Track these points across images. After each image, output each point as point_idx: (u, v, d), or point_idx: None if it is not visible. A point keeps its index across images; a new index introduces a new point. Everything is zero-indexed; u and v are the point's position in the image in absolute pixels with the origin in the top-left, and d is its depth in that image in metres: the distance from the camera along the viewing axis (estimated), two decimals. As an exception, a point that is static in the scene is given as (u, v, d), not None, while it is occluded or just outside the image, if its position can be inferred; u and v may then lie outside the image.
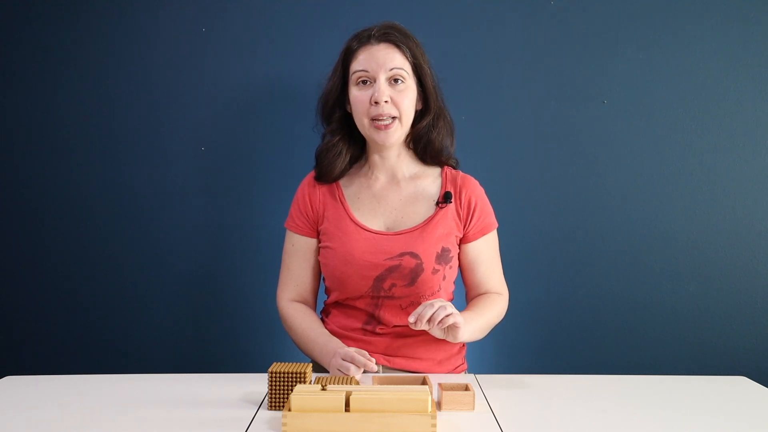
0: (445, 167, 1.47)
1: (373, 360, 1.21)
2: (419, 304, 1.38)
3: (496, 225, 1.46)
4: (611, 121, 1.76)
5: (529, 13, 1.75)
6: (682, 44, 1.74)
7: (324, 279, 1.46)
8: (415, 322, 1.19)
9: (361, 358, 1.21)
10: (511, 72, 1.76)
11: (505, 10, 1.75)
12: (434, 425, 0.93)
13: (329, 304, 1.47)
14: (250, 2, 1.75)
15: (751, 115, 1.75)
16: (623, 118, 1.76)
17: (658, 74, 1.75)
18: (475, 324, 1.32)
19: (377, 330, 1.39)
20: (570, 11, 1.74)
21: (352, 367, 1.20)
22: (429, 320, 1.18)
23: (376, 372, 1.32)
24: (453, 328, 1.22)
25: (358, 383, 1.10)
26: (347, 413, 0.95)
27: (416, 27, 1.41)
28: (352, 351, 1.23)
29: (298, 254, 1.45)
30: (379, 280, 1.35)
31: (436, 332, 1.25)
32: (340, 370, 1.22)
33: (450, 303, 1.24)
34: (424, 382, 1.15)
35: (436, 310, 1.18)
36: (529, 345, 1.79)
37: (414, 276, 1.35)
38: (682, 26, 1.74)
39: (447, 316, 1.19)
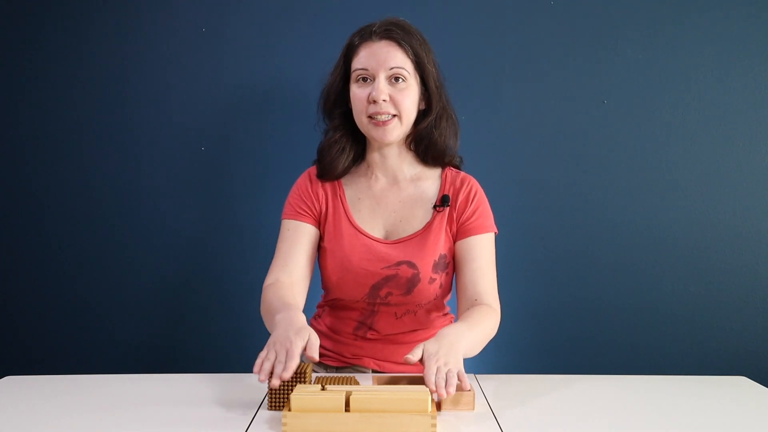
0: (447, 168, 1.43)
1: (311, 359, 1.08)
2: (414, 312, 1.37)
3: (494, 230, 1.39)
4: (611, 121, 1.76)
5: (529, 13, 1.75)
6: (682, 44, 1.74)
7: (321, 280, 1.44)
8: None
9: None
10: (511, 72, 1.76)
11: (506, 10, 1.75)
12: (434, 425, 0.93)
13: (324, 302, 1.46)
14: (250, 2, 1.75)
15: (751, 115, 1.75)
16: (623, 118, 1.76)
17: (658, 74, 1.75)
18: (468, 340, 1.18)
19: (368, 335, 1.39)
20: (570, 11, 1.74)
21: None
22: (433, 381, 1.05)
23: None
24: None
25: (357, 383, 1.10)
26: (347, 413, 0.95)
27: (416, 26, 1.41)
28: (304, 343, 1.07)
29: (292, 237, 1.36)
30: (376, 288, 1.34)
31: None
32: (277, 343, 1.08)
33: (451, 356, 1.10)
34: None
35: (437, 374, 1.05)
36: (529, 345, 1.79)
37: (411, 285, 1.33)
38: (682, 26, 1.74)
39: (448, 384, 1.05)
